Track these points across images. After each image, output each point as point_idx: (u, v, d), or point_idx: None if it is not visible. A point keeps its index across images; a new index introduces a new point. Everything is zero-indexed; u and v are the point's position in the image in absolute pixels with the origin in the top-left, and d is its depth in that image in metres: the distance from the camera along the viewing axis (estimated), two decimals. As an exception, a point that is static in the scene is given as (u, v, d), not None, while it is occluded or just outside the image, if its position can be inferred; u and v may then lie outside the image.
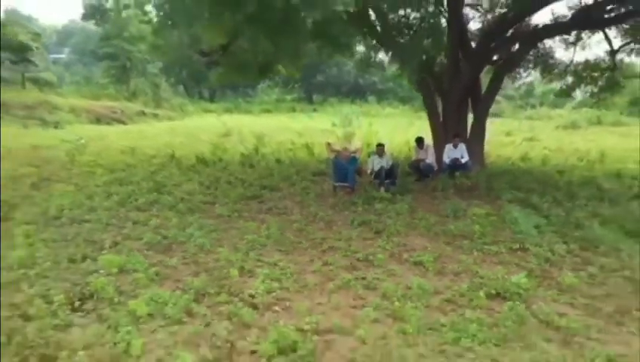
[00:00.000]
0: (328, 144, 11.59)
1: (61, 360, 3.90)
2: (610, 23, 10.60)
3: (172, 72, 45.12)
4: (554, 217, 7.95)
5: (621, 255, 6.36)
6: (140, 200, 9.17)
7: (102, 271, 5.65)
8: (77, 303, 4.91)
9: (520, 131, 26.68)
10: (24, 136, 18.35)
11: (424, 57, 10.50)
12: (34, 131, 20.57)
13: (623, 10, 10.01)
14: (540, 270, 5.91)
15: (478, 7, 12.23)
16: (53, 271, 5.70)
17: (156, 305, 4.83)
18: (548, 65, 12.74)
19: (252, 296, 5.07)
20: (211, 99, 48.22)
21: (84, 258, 6.15)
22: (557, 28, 11.01)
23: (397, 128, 26.24)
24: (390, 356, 3.98)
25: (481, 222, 7.54)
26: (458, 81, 11.01)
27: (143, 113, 28.06)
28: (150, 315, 4.67)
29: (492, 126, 25.62)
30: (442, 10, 10.93)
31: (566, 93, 14.06)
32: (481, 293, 5.14)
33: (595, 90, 13.70)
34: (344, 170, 10.07)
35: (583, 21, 10.08)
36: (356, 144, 12.69)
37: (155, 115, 28.94)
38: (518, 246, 6.71)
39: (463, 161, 10.55)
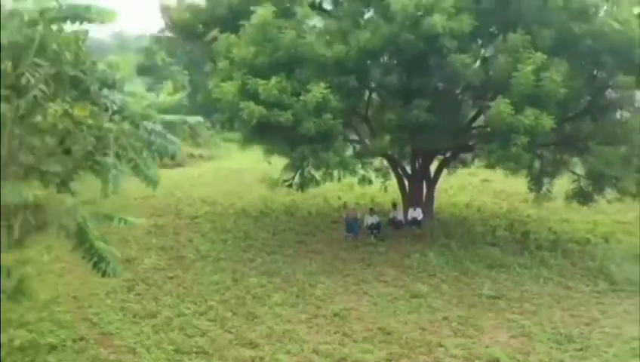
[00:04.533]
0: (343, 202, 19.52)
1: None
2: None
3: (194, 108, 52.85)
4: (457, 255, 15.90)
5: (468, 273, 14.35)
6: (241, 244, 17.15)
7: (254, 280, 13.60)
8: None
9: (482, 170, 34.53)
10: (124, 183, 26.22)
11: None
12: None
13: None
14: (434, 275, 13.91)
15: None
16: (236, 275, 13.65)
17: (283, 287, 12.77)
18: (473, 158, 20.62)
19: (317, 284, 13.05)
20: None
21: (241, 277, 14.09)
22: (476, 143, 18.73)
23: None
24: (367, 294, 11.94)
25: (418, 258, 15.51)
26: (415, 170, 18.97)
27: (192, 155, 36.02)
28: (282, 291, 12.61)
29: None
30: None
31: (492, 167, 21.92)
32: (407, 277, 13.15)
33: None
34: (351, 225, 18.00)
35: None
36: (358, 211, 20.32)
37: (201, 156, 36.89)
38: (430, 268, 14.69)
39: (419, 218, 18.43)
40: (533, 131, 13.02)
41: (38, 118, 4.74)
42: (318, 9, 18.53)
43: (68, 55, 4.62)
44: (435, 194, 19.69)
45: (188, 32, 18.32)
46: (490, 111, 13.35)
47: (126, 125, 5.29)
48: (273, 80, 13.69)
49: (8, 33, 4.06)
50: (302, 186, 16.48)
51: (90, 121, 4.91)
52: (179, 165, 34.21)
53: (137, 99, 5.46)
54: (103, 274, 6.32)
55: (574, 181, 16.54)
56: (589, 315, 12.16)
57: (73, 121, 4.74)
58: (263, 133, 14.47)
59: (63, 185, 5.52)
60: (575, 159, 16.99)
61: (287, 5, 16.73)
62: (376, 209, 19.09)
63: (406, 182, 19.25)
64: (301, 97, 13.65)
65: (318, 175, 16.09)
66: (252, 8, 16.35)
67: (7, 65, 4.17)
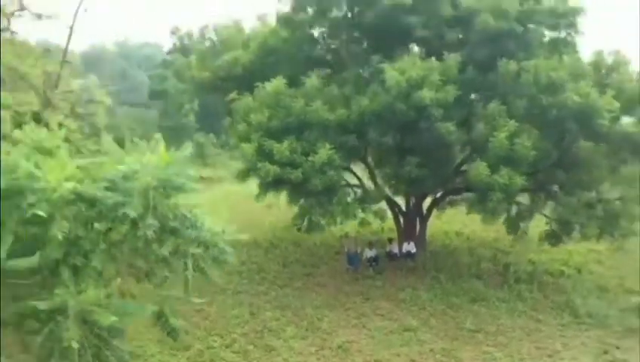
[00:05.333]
0: (345, 232, 21.87)
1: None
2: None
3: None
4: (445, 288, 18.17)
5: (454, 307, 16.64)
6: (255, 277, 19.43)
7: (270, 314, 15.89)
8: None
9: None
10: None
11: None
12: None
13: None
14: (424, 308, 16.22)
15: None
16: (253, 309, 15.95)
17: (295, 321, 15.08)
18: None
19: (324, 318, 15.36)
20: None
21: (258, 311, 16.37)
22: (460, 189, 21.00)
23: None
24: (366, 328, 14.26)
25: (410, 292, 17.79)
26: (410, 208, 21.27)
27: (202, 178, 38.41)
28: (294, 325, 14.92)
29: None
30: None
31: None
32: (401, 311, 15.45)
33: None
34: (352, 258, 20.29)
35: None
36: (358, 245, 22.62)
37: (211, 179, 39.22)
38: (421, 302, 16.98)
39: (413, 251, 20.72)
40: (507, 189, 15.32)
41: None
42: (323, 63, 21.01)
43: (176, 212, 6.92)
44: (428, 222, 21.98)
45: (208, 87, 20.65)
46: (471, 171, 15.68)
47: (201, 247, 7.61)
48: (285, 143, 16.02)
49: (132, 206, 6.33)
50: (309, 230, 18.82)
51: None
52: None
53: (209, 231, 7.73)
54: (174, 340, 8.62)
55: (547, 223, 18.82)
56: (552, 347, 14.46)
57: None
58: (277, 186, 16.80)
59: (147, 277, 7.78)
60: (550, 201, 19.26)
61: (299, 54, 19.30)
62: (374, 241, 21.40)
63: (401, 218, 21.57)
64: (309, 158, 15.97)
65: (323, 221, 18.39)
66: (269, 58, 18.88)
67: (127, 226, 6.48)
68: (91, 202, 6.47)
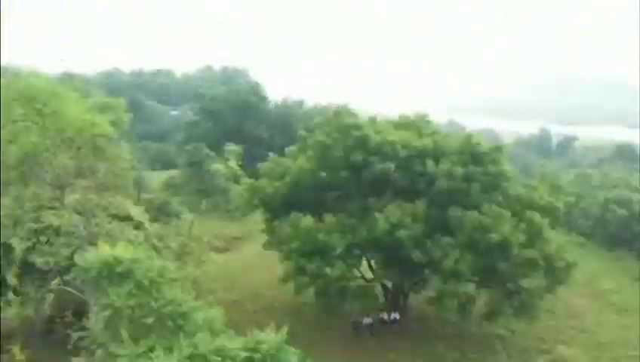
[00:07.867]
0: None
1: None
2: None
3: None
4: (416, 352, 27.36)
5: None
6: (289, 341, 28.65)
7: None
8: None
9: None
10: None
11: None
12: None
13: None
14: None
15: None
16: None
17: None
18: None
19: None
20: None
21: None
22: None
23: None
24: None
25: (393, 354, 26.98)
26: (395, 287, 30.54)
27: (233, 238, 47.60)
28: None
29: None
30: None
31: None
32: None
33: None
34: (355, 326, 29.47)
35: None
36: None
37: (240, 238, 48.33)
38: (399, 359, 26.26)
39: (397, 318, 29.89)
40: (455, 294, 24.57)
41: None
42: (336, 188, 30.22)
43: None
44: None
45: (255, 207, 30.03)
46: (430, 281, 24.99)
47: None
48: (314, 263, 25.26)
49: None
50: (327, 314, 28.18)
51: None
52: (227, 249, 45.67)
53: None
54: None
55: (485, 305, 28.05)
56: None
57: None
58: (307, 288, 26.11)
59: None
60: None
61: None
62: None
63: (389, 294, 30.88)
64: (329, 271, 25.21)
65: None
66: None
67: None
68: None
